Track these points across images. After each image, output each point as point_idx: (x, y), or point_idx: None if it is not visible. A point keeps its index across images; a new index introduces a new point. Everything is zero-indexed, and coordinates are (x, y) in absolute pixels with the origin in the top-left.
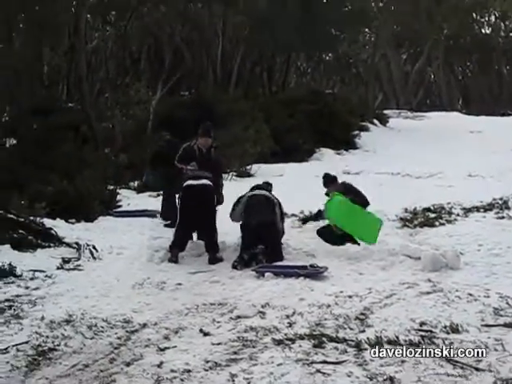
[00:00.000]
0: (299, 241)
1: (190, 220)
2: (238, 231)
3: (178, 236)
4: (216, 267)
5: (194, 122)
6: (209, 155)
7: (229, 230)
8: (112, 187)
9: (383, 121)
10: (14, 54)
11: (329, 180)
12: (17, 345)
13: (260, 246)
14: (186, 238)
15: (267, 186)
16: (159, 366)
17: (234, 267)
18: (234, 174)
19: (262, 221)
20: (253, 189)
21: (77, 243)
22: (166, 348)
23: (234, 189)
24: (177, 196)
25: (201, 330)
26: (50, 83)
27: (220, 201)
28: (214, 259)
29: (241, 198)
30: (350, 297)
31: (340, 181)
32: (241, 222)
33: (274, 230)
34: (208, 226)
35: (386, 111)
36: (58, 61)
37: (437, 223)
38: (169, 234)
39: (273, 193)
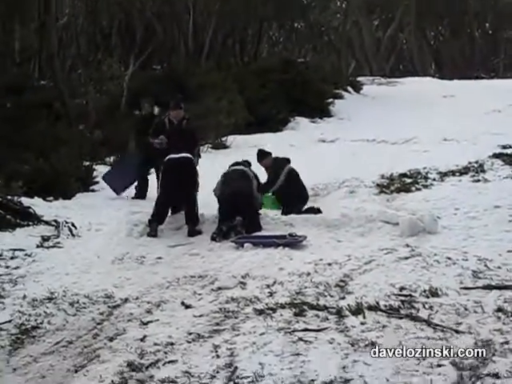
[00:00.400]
0: (277, 211)
1: (171, 193)
2: (216, 204)
3: (157, 209)
4: (195, 240)
5: (167, 96)
6: (180, 127)
7: (207, 203)
8: (88, 164)
9: (357, 88)
10: None
11: (261, 155)
12: (0, 324)
13: (238, 218)
14: (165, 211)
15: (245, 162)
16: (142, 339)
17: (213, 239)
18: (210, 145)
19: (238, 191)
20: (231, 166)
21: (55, 221)
22: (149, 322)
23: (210, 161)
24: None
25: (182, 303)
26: (21, 61)
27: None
28: (193, 232)
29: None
30: (330, 264)
31: (274, 156)
32: (218, 194)
33: (250, 201)
34: (189, 198)
35: (359, 78)
36: (30, 38)
37: (413, 188)
38: (147, 208)
39: (252, 168)
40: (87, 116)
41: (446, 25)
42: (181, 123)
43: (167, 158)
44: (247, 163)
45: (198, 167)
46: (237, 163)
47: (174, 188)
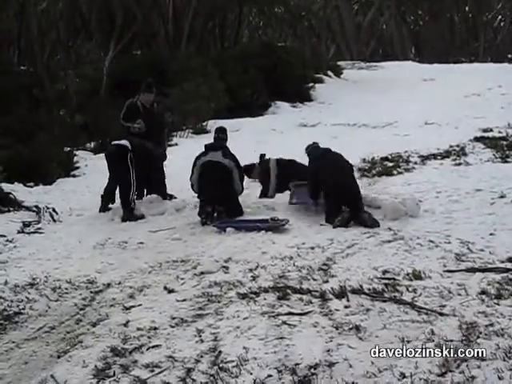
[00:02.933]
0: (258, 195)
1: (110, 179)
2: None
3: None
4: (176, 224)
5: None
6: (153, 110)
7: (184, 187)
8: (69, 149)
9: (337, 72)
10: None
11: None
12: None
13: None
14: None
15: (221, 140)
16: (125, 324)
17: (204, 223)
18: (190, 130)
19: (219, 195)
20: (206, 150)
21: (36, 206)
22: (132, 307)
23: (191, 145)
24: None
25: (165, 288)
26: (0, 46)
27: (163, 154)
28: (126, 217)
29: (196, 159)
30: (312, 248)
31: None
32: (197, 189)
33: (231, 195)
34: (121, 185)
35: (339, 63)
36: (9, 23)
37: (395, 172)
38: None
39: (228, 146)
40: (67, 101)
41: (426, 9)
42: (152, 106)
43: (111, 143)
44: (223, 140)
45: (167, 151)
46: (211, 146)
47: (110, 174)
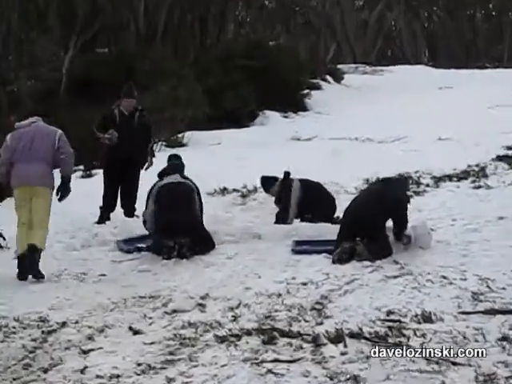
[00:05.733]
0: (243, 219)
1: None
2: None
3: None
4: (145, 254)
5: (114, 84)
6: (132, 119)
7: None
8: None
9: (337, 77)
10: None
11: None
12: None
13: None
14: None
15: (177, 166)
16: (82, 371)
17: (168, 258)
18: (164, 143)
19: (181, 223)
20: (161, 175)
21: None
22: (90, 350)
23: (164, 161)
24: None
25: (130, 328)
26: None
27: (149, 165)
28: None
29: (151, 190)
30: (305, 284)
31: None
32: (153, 225)
33: (196, 227)
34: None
35: (340, 66)
36: None
37: None
38: (93, 213)
39: (186, 174)
40: (20, 105)
41: (442, 3)
42: (133, 115)
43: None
44: (179, 165)
45: (151, 167)
46: (166, 171)
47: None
